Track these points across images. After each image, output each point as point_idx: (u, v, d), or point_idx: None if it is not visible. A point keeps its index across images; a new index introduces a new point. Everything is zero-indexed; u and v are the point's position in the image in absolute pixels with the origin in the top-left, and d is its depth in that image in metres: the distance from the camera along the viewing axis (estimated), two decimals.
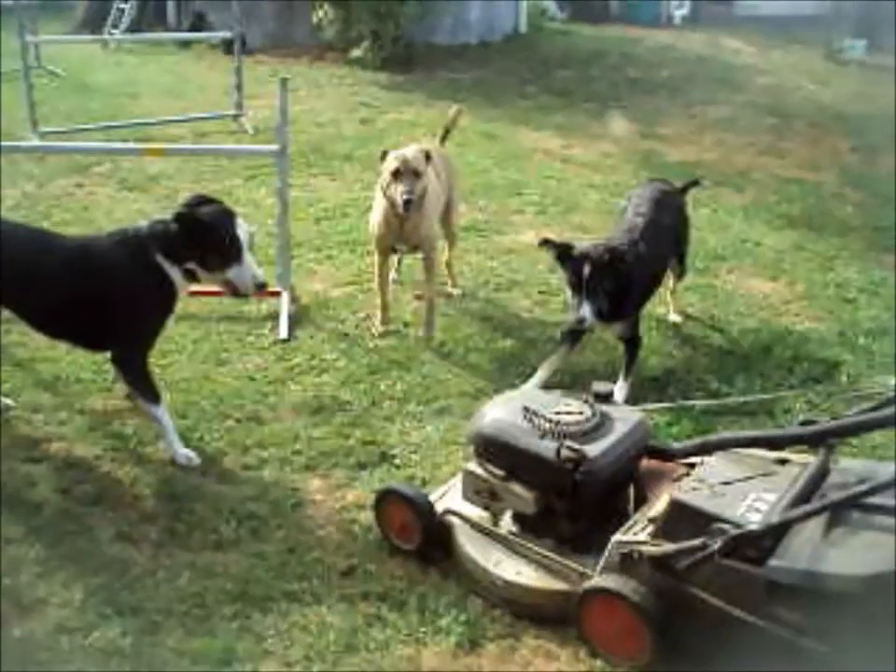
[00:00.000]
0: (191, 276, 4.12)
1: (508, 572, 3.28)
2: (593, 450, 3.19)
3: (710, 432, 4.03)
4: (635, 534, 3.13)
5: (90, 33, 14.43)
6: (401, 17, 12.58)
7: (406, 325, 5.45)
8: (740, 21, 17.90)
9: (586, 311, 4.49)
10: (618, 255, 4.48)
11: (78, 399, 4.57)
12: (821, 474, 3.09)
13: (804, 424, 3.36)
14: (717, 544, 2.80)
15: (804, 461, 3.18)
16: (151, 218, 4.21)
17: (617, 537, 3.12)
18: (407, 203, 4.92)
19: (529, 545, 3.32)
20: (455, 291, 5.87)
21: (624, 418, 3.43)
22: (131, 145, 8.06)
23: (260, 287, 4.22)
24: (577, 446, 3.16)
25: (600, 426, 3.33)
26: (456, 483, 3.60)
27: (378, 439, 4.33)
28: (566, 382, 4.72)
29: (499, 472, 3.36)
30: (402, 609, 3.29)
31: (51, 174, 7.87)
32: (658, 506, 3.19)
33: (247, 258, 4.12)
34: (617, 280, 4.50)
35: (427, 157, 5.11)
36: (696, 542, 2.85)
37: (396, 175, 4.97)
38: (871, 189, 8.43)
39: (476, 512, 3.48)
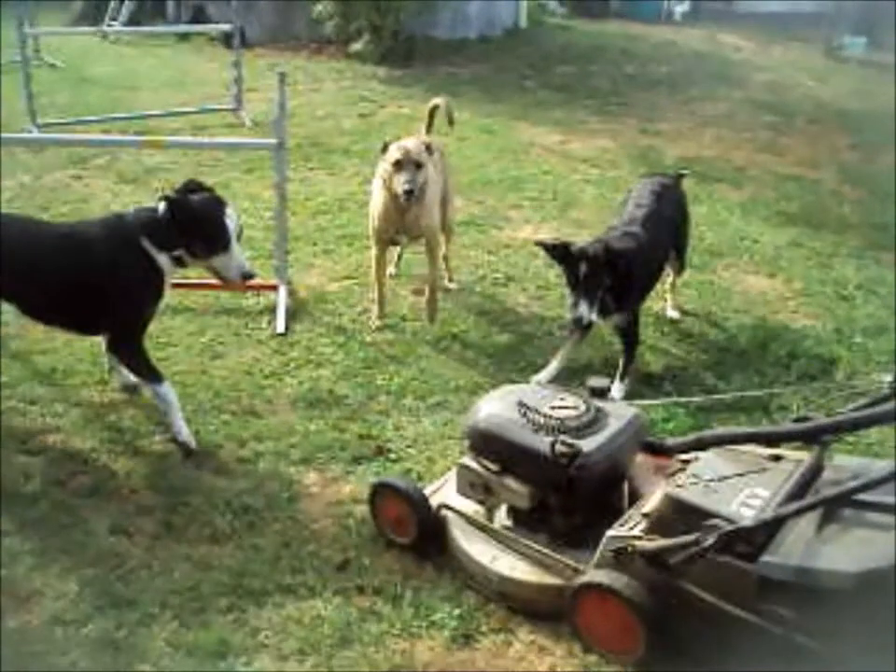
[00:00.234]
0: (179, 262, 4.15)
1: (502, 567, 3.28)
2: (587, 445, 3.19)
3: (706, 428, 4.04)
4: (629, 529, 3.13)
5: (89, 25, 14.39)
6: (401, 11, 12.55)
7: (403, 319, 5.45)
8: (740, 17, 17.87)
9: (584, 310, 4.50)
10: (615, 253, 4.48)
11: (75, 391, 4.57)
12: (815, 471, 3.10)
13: (798, 420, 3.37)
14: (710, 540, 2.80)
15: (798, 458, 3.19)
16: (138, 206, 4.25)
17: (611, 532, 3.12)
18: (409, 193, 4.95)
19: (523, 540, 3.32)
20: (452, 285, 5.87)
21: (619, 414, 3.43)
22: (129, 137, 8.06)
23: (247, 277, 4.24)
24: (571, 441, 3.17)
25: (595, 421, 3.33)
26: (452, 477, 3.60)
27: (374, 433, 4.33)
28: (562, 377, 4.73)
29: (494, 467, 3.37)
30: (397, 603, 3.30)
31: (50, 166, 7.86)
32: (652, 501, 3.19)
33: (235, 247, 4.14)
34: (615, 276, 4.51)
35: (429, 149, 5.14)
36: (689, 538, 2.86)
37: (398, 165, 4.99)
38: (869, 186, 8.43)
39: (471, 507, 3.49)
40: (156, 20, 14.66)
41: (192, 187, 4.27)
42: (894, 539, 2.69)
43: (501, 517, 3.47)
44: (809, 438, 3.25)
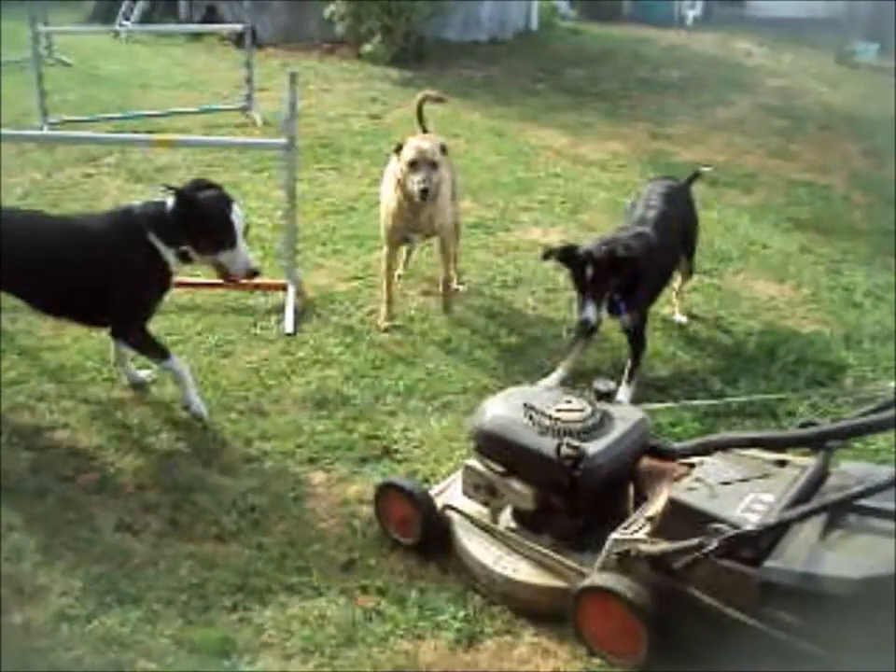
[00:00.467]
0: (185, 258, 4.19)
1: (506, 568, 3.29)
2: (592, 448, 3.19)
3: (714, 433, 4.03)
4: (633, 532, 3.13)
5: (101, 24, 14.44)
6: (413, 13, 12.57)
7: (411, 320, 5.46)
8: (752, 22, 17.87)
9: (590, 312, 4.50)
10: (621, 255, 4.48)
11: (83, 388, 4.59)
12: (820, 476, 3.09)
13: (804, 426, 3.36)
14: (713, 544, 2.80)
15: (803, 463, 3.19)
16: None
17: (615, 535, 3.13)
18: (424, 192, 4.99)
19: (528, 542, 3.33)
20: (461, 287, 5.87)
21: (625, 417, 3.43)
22: (140, 136, 8.08)
23: (253, 274, 4.28)
24: (577, 444, 3.17)
25: (600, 424, 3.33)
26: (457, 478, 3.61)
27: (381, 433, 4.34)
28: (569, 380, 4.73)
29: (499, 468, 3.37)
30: (401, 604, 3.31)
31: (60, 163, 7.89)
32: (656, 505, 3.19)
33: (241, 243, 4.18)
34: (623, 277, 4.51)
35: (443, 149, 5.18)
36: (693, 542, 2.86)
37: (413, 165, 5.02)
38: (880, 192, 8.40)
39: (476, 508, 3.49)
40: (168, 19, 14.69)
41: (201, 185, 4.31)
42: None
43: (506, 519, 3.47)
44: (814, 443, 3.24)
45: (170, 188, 4.20)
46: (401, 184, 5.11)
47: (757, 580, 2.77)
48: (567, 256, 4.59)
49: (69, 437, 4.19)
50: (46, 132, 8.41)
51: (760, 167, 9.13)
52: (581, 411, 3.37)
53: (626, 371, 4.73)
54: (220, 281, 4.42)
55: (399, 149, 5.15)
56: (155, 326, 4.45)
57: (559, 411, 3.36)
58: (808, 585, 2.69)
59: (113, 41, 13.82)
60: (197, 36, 13.92)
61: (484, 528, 3.45)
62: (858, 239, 7.25)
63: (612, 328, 5.03)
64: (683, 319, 5.57)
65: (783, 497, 2.95)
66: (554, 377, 4.75)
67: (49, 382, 4.62)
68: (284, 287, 5.53)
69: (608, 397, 3.57)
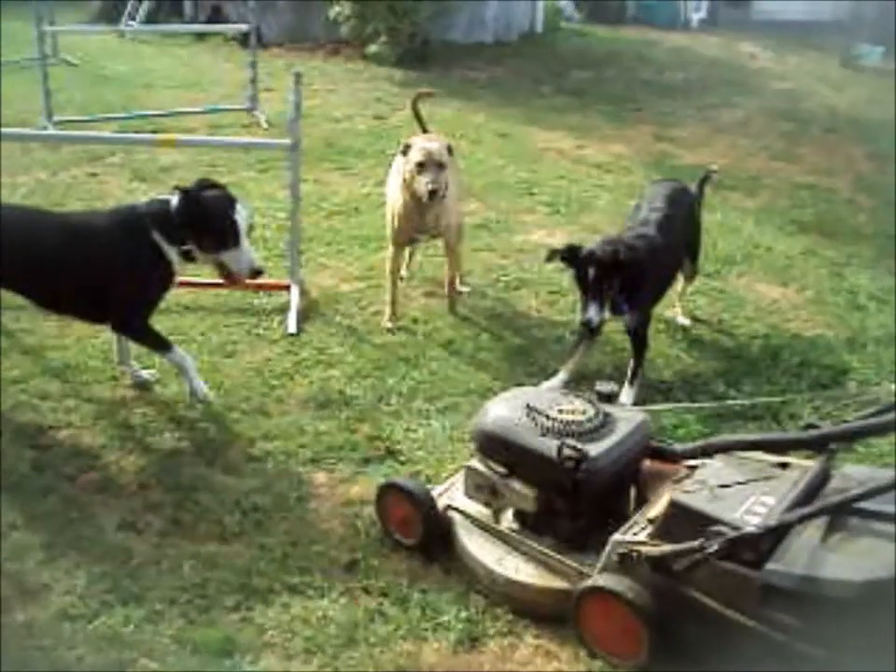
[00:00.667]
0: (188, 256, 4.21)
1: (507, 569, 3.29)
2: (594, 449, 3.19)
3: (716, 435, 4.03)
4: (634, 534, 3.13)
5: (106, 24, 14.46)
6: (418, 14, 12.57)
7: (415, 321, 5.46)
8: (757, 24, 17.83)
9: (593, 313, 4.50)
10: (624, 255, 4.48)
11: (86, 387, 4.60)
12: (822, 479, 3.09)
13: (806, 428, 3.37)
14: (714, 546, 2.81)
15: (805, 465, 3.19)
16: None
17: (616, 536, 3.13)
18: (433, 192, 5.00)
19: (529, 543, 3.33)
20: (464, 289, 5.88)
21: (627, 418, 3.44)
22: (144, 135, 8.09)
23: (257, 273, 4.30)
24: (578, 445, 3.17)
25: (602, 425, 3.33)
26: (459, 479, 3.61)
27: (384, 434, 4.34)
28: (571, 381, 4.73)
29: (501, 469, 3.38)
30: (404, 605, 3.31)
31: (65, 162, 7.90)
32: (658, 507, 3.19)
33: (245, 243, 4.21)
34: (625, 277, 4.51)
35: (450, 150, 5.20)
36: (694, 544, 2.86)
37: (421, 166, 5.03)
38: (884, 195, 8.38)
39: (477, 509, 3.50)
40: (173, 19, 14.71)
41: (205, 185, 4.32)
42: None
43: (507, 520, 3.47)
44: (816, 445, 3.25)
45: (178, 188, 4.22)
46: (409, 184, 5.12)
47: (758, 582, 2.77)
48: (570, 256, 4.60)
49: (72, 436, 4.20)
50: (51, 131, 8.43)
51: (764, 170, 9.12)
52: (583, 412, 3.38)
53: (629, 373, 4.73)
54: (222, 281, 4.44)
55: (405, 150, 5.16)
56: (159, 326, 4.45)
57: (561, 412, 3.37)
58: (809, 588, 2.69)
59: (118, 41, 13.84)
60: (202, 36, 13.92)
61: (486, 529, 3.45)
62: (862, 242, 7.25)
63: (615, 331, 5.04)
64: (686, 321, 5.57)
65: (784, 500, 2.95)
66: (558, 379, 4.76)
67: (51, 381, 4.63)
68: (287, 288, 5.53)
69: (610, 398, 3.58)
